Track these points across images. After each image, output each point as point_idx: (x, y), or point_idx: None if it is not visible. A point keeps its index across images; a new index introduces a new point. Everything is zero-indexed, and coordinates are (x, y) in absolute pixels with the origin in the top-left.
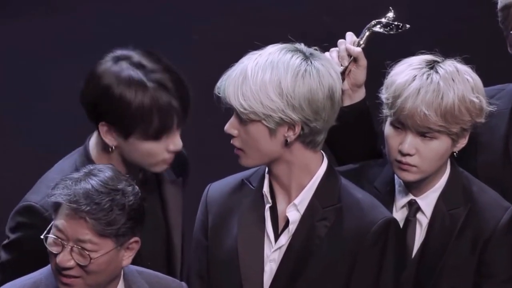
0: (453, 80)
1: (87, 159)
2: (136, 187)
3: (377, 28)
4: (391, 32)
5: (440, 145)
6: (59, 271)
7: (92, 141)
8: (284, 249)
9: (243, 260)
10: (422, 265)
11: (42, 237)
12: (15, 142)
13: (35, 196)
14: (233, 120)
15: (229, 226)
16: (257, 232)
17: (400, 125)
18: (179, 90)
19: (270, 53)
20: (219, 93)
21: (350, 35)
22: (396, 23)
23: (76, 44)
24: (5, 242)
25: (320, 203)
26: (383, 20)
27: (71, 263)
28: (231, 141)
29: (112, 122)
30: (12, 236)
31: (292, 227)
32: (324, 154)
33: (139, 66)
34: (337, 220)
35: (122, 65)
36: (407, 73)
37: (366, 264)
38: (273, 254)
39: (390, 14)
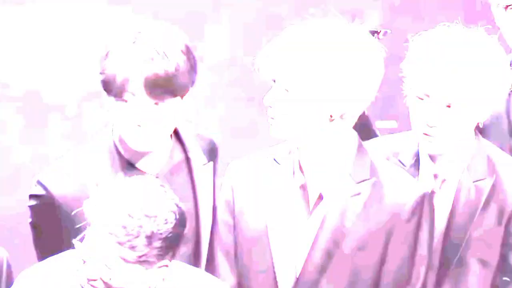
0: None
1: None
2: (177, 214)
3: None
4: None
5: (465, 116)
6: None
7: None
8: (318, 225)
9: (274, 237)
10: (449, 237)
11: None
12: None
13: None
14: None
15: (258, 204)
16: (288, 209)
17: (425, 96)
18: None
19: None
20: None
21: None
22: (379, 30)
23: None
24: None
25: (353, 178)
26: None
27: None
28: (268, 112)
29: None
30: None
31: (326, 203)
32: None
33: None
34: (371, 195)
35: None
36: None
37: (402, 238)
38: (306, 231)
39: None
